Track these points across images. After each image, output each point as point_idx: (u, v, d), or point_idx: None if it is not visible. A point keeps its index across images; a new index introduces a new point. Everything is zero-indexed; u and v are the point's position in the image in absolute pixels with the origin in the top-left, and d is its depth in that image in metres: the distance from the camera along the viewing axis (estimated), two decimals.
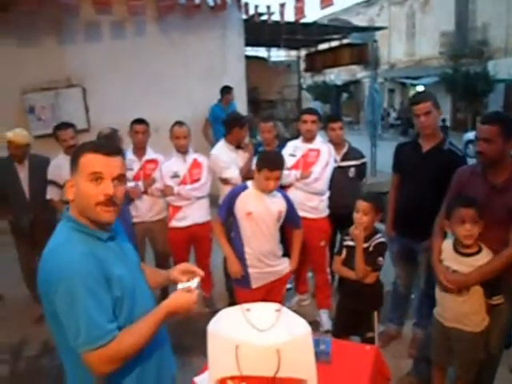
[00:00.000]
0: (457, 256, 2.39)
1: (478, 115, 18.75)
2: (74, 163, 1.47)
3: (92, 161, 1.44)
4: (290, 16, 7.27)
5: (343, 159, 3.79)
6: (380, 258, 2.67)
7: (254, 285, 2.92)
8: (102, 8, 6.14)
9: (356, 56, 9.96)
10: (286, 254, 3.17)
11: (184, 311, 1.50)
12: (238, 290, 3.06)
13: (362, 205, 2.69)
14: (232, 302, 3.41)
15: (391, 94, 26.96)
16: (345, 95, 30.31)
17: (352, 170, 3.79)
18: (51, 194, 4.01)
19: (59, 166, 3.92)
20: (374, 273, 2.70)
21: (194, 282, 1.57)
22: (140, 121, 3.91)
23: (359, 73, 26.73)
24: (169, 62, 7.08)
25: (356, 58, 10.09)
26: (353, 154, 3.86)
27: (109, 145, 1.55)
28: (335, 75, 29.10)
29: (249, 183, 2.90)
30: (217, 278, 4.11)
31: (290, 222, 3.00)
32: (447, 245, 2.47)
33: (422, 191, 2.96)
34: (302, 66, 13.71)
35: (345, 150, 3.83)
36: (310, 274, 4.04)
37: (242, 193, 2.86)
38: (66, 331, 1.37)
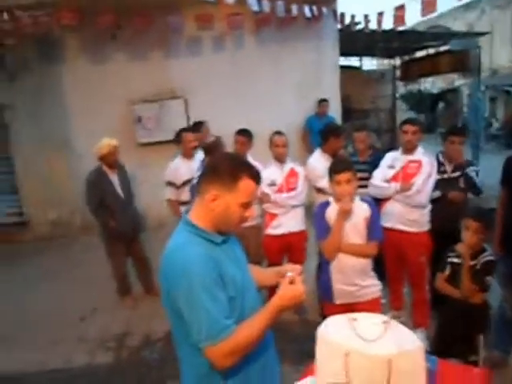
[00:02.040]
0: None
1: None
2: (231, 181, 1.54)
3: (250, 189, 1.58)
4: (387, 24, 7.12)
5: (454, 170, 3.64)
6: (488, 278, 2.53)
7: (337, 301, 2.81)
8: (204, 24, 6.50)
9: (456, 63, 9.41)
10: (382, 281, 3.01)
11: (294, 303, 1.54)
12: (324, 302, 3.03)
13: (472, 224, 2.56)
14: (323, 312, 3.40)
15: (493, 103, 25.06)
16: (441, 104, 28.78)
17: (461, 180, 3.60)
18: (169, 194, 4.37)
19: (177, 168, 4.30)
20: (481, 293, 2.55)
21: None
22: (241, 131, 4.10)
23: (457, 80, 25.20)
24: (265, 73, 7.32)
25: (456, 66, 9.53)
26: (468, 164, 3.70)
27: (258, 172, 1.63)
28: (430, 84, 27.73)
29: (330, 199, 2.84)
30: (308, 288, 4.11)
31: (368, 231, 2.76)
32: None
33: None
34: (397, 74, 13.28)
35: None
36: (405, 290, 3.90)
37: (326, 209, 2.80)
38: (187, 326, 1.48)
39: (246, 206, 1.58)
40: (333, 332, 1.47)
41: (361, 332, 1.48)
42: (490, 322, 2.70)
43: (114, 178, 4.40)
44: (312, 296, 3.87)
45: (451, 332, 2.67)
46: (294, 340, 3.50)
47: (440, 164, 3.61)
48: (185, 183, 4.25)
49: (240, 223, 1.62)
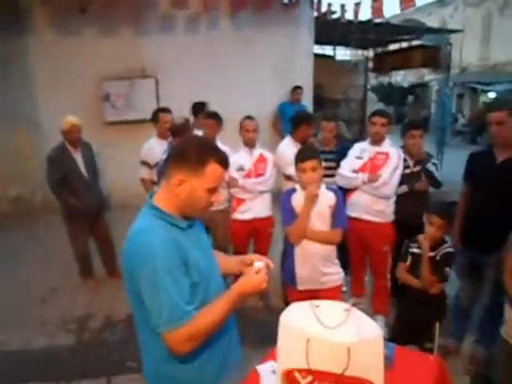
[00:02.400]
0: None
1: None
2: (198, 165, 1.50)
3: (217, 174, 1.54)
4: (364, 15, 7.17)
5: (416, 165, 3.67)
6: (447, 269, 2.61)
7: (300, 286, 2.85)
8: (178, 2, 6.35)
9: (428, 59, 9.57)
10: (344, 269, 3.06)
11: (255, 290, 1.56)
12: (287, 287, 3.07)
13: (436, 220, 2.63)
14: (286, 298, 3.45)
15: (460, 99, 25.71)
16: (410, 98, 29.32)
17: (432, 166, 3.65)
18: (143, 173, 4.33)
19: (151, 147, 4.28)
20: (440, 283, 2.64)
21: (261, 264, 1.63)
22: (210, 115, 4.07)
23: (427, 75, 25.72)
24: (239, 57, 7.23)
25: (428, 61, 9.69)
26: (428, 159, 3.72)
27: (226, 157, 1.58)
28: (402, 77, 28.20)
29: (297, 186, 2.85)
30: (273, 273, 4.14)
31: (333, 219, 2.77)
32: None
33: (493, 203, 2.85)
34: (369, 65, 13.39)
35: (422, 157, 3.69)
36: (367, 278, 3.99)
37: (292, 196, 2.82)
38: (147, 310, 1.46)
39: (213, 190, 1.55)
40: (295, 318, 1.49)
41: (323, 319, 1.50)
42: (446, 311, 2.80)
43: (78, 155, 4.27)
44: (276, 282, 3.90)
45: (409, 320, 2.76)
46: (257, 325, 3.54)
47: (403, 159, 3.63)
48: (158, 163, 4.19)
49: (206, 208, 1.60)
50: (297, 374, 1.44)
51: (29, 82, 6.82)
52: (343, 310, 1.56)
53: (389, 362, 1.89)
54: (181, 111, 5.04)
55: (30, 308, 4.18)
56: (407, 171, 3.63)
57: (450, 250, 2.69)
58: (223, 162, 1.55)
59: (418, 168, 3.67)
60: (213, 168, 1.52)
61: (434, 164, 3.72)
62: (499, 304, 2.54)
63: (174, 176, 1.51)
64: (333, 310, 1.55)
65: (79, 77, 6.76)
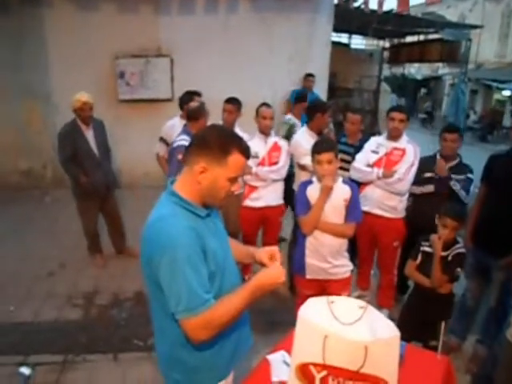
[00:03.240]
0: None
1: None
2: (221, 155, 1.51)
3: (240, 164, 1.55)
4: (387, 5, 7.06)
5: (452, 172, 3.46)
6: (458, 269, 2.63)
7: (308, 275, 2.88)
8: None
9: (446, 53, 9.45)
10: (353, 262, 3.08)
11: (273, 284, 1.57)
12: (295, 275, 3.09)
13: (451, 223, 2.64)
14: (292, 286, 3.48)
15: (473, 96, 25.42)
16: (423, 91, 29.04)
17: (456, 183, 3.40)
18: (158, 149, 4.37)
19: (173, 126, 4.30)
20: (450, 283, 2.66)
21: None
22: (231, 100, 4.02)
23: (441, 69, 25.39)
24: (256, 41, 7.16)
25: (446, 56, 9.58)
26: (462, 169, 3.46)
27: (248, 147, 1.60)
28: (416, 69, 27.87)
29: (313, 178, 2.86)
30: (280, 261, 4.19)
31: (348, 212, 2.78)
32: None
33: (509, 207, 2.86)
34: (384, 56, 13.23)
35: (454, 163, 3.49)
36: (373, 272, 4.02)
37: (308, 187, 2.83)
38: (166, 297, 1.47)
39: (234, 180, 1.57)
40: (312, 313, 1.51)
41: (338, 315, 1.53)
42: (452, 311, 2.83)
43: (89, 133, 4.26)
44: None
45: (416, 317, 2.79)
46: (264, 312, 3.57)
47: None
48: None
49: (226, 197, 1.60)
50: (312, 368, 1.47)
51: (42, 56, 6.76)
52: (358, 306, 1.58)
53: (399, 359, 1.93)
54: None
55: (38, 281, 4.25)
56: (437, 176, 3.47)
57: (462, 250, 2.70)
58: (246, 152, 1.56)
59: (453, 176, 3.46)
60: (235, 158, 1.53)
61: (469, 179, 3.41)
62: (505, 306, 2.57)
63: (198, 163, 1.51)
64: (348, 306, 1.57)
65: (94, 53, 6.71)
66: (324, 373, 1.45)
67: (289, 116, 5.36)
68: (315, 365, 1.46)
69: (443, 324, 2.69)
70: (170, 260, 1.43)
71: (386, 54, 13.06)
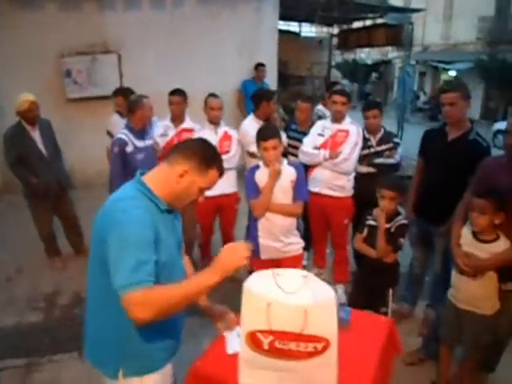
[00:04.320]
0: (475, 242, 2.50)
1: (510, 105, 18.23)
2: (205, 166, 1.66)
3: (214, 179, 1.73)
4: None
5: (378, 144, 3.79)
6: (401, 239, 2.80)
7: (263, 256, 3.00)
8: None
9: (391, 37, 9.73)
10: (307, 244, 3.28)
11: (235, 264, 1.56)
12: (251, 258, 3.20)
13: (387, 193, 2.81)
14: (250, 269, 3.58)
15: (422, 77, 26.31)
16: (374, 75, 29.74)
17: (386, 153, 3.76)
18: (107, 142, 4.35)
19: (115, 120, 4.43)
20: (394, 253, 2.84)
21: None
22: (175, 92, 4.06)
23: (390, 53, 26.10)
24: (204, 34, 7.17)
25: (391, 40, 9.86)
26: (387, 137, 3.84)
27: (223, 167, 1.77)
28: (366, 54, 28.53)
29: (260, 163, 2.98)
30: None
31: (294, 192, 2.93)
32: (467, 230, 2.58)
33: (445, 178, 3.04)
34: (334, 42, 13.48)
35: (380, 135, 3.81)
36: (328, 251, 4.19)
37: (256, 172, 2.95)
38: (111, 273, 1.46)
39: (204, 190, 1.71)
40: (257, 285, 1.61)
41: (282, 285, 1.64)
42: (399, 278, 3.02)
43: (35, 133, 4.17)
44: None
45: (365, 287, 2.96)
46: (223, 296, 3.66)
47: (366, 139, 3.77)
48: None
49: (190, 204, 1.74)
50: (259, 335, 1.58)
51: None
52: (301, 276, 1.70)
53: (345, 323, 2.08)
54: (144, 87, 5.00)
55: None
56: (372, 150, 3.76)
57: (403, 221, 2.88)
58: (222, 170, 1.75)
59: (382, 147, 3.78)
60: (214, 173, 1.70)
61: (397, 143, 3.85)
62: (448, 271, 2.77)
63: (180, 166, 1.62)
64: (292, 277, 1.69)
65: (39, 52, 6.51)
66: (271, 338, 1.57)
67: (319, 106, 5.46)
68: (262, 331, 1.57)
69: (391, 291, 2.89)
70: (120, 235, 1.46)
71: (335, 40, 13.32)
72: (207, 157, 1.67)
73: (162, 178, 1.65)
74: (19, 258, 4.72)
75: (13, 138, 4.09)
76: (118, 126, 4.18)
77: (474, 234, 2.52)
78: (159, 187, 1.64)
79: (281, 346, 1.56)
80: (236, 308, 2.02)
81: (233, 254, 1.58)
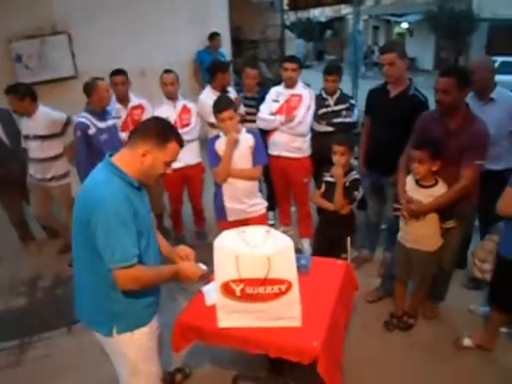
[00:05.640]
0: (417, 188, 2.82)
1: (460, 55, 18.77)
2: (162, 141, 1.82)
3: (176, 151, 1.88)
4: None
5: (336, 103, 3.98)
6: (356, 192, 3.10)
7: (230, 218, 3.24)
8: None
9: None
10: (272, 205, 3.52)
11: (189, 277, 1.97)
12: (219, 221, 3.45)
13: (337, 148, 3.07)
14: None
15: (376, 31, 26.53)
16: (329, 32, 29.74)
17: (343, 112, 3.95)
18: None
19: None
20: (349, 205, 3.13)
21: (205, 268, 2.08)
22: (116, 72, 4.12)
23: (344, 9, 26.09)
24: (155, 7, 7.09)
25: None
26: (343, 98, 4.02)
27: (182, 139, 1.93)
28: (319, 12, 28.38)
29: (220, 133, 3.18)
30: (208, 214, 4.52)
31: (254, 157, 3.15)
32: (410, 178, 2.89)
33: (389, 132, 3.29)
34: (285, 3, 13.41)
35: (337, 95, 3.99)
36: (293, 209, 4.48)
37: (216, 142, 3.16)
38: (102, 250, 1.73)
39: (169, 164, 1.88)
40: (226, 241, 1.86)
41: (248, 240, 1.90)
42: (356, 227, 3.33)
43: None
44: (212, 220, 4.26)
45: (325, 237, 3.28)
46: (197, 261, 3.92)
47: (323, 99, 3.98)
48: None
49: (158, 178, 1.92)
50: (232, 284, 1.84)
51: None
52: (264, 231, 1.95)
53: (306, 269, 2.37)
54: (98, 65, 4.96)
55: None
56: (329, 109, 3.96)
57: (356, 176, 3.15)
58: (181, 142, 1.90)
59: (339, 107, 3.96)
60: (173, 145, 1.86)
61: (352, 104, 4.03)
62: (399, 216, 3.08)
63: (141, 147, 1.80)
64: (256, 232, 1.95)
65: None
66: (241, 285, 1.84)
67: None
68: (233, 281, 1.84)
69: (349, 239, 3.21)
70: (104, 218, 1.69)
71: (286, 1, 13.26)
72: (162, 132, 1.84)
73: (127, 160, 1.83)
74: None
75: None
76: (28, 127, 4.10)
77: (416, 182, 2.83)
78: (127, 167, 1.82)
79: (250, 291, 1.84)
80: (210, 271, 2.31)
81: (190, 270, 1.99)
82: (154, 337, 2.05)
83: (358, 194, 3.16)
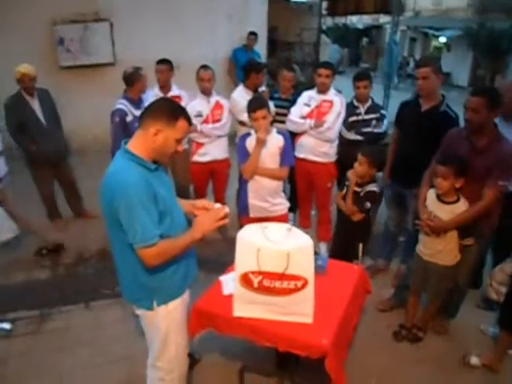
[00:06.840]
0: (438, 203, 2.85)
1: (497, 73, 18.43)
2: (172, 120, 1.89)
3: (185, 128, 1.95)
4: None
5: (367, 112, 4.00)
6: (367, 203, 3.16)
7: (252, 214, 3.34)
8: None
9: (379, 4, 9.86)
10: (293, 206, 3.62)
11: (207, 231, 1.96)
12: (241, 216, 3.56)
13: (360, 158, 3.15)
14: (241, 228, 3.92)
15: (412, 43, 26.22)
16: (365, 40, 29.53)
17: (373, 122, 3.98)
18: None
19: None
20: (360, 213, 3.22)
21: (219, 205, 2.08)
22: (162, 61, 4.32)
23: (382, 18, 25.83)
24: (194, 2, 7.24)
25: (379, 7, 9.98)
26: (374, 108, 4.03)
27: (190, 116, 2.00)
28: (357, 18, 28.18)
29: (251, 131, 3.27)
30: (231, 208, 4.58)
31: (281, 158, 3.22)
32: (431, 193, 2.92)
33: (416, 146, 3.33)
34: (323, 7, 13.40)
35: (368, 104, 4.01)
36: (313, 212, 4.53)
37: (247, 139, 3.26)
38: (126, 231, 1.85)
39: (179, 141, 1.97)
40: (248, 235, 1.95)
41: (269, 235, 1.97)
42: (369, 235, 3.38)
43: (35, 103, 4.35)
44: (233, 215, 4.34)
45: (341, 239, 3.37)
46: (217, 253, 4.03)
47: (355, 107, 4.01)
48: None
49: (172, 155, 2.01)
50: (251, 275, 1.92)
51: None
52: (286, 229, 2.03)
53: (322, 269, 2.44)
54: (136, 55, 5.10)
55: (2, 247, 4.43)
56: (359, 118, 3.99)
57: (373, 189, 3.20)
58: (189, 119, 1.99)
59: (369, 116, 3.99)
60: (182, 123, 1.93)
61: (383, 115, 4.01)
62: (419, 230, 3.11)
63: (152, 127, 1.88)
64: (277, 228, 2.02)
65: (30, 19, 6.54)
66: (260, 277, 1.92)
67: None
68: (253, 272, 1.92)
69: (361, 245, 3.26)
70: (126, 202, 1.80)
71: (325, 5, 13.25)
72: (172, 111, 1.92)
73: (141, 143, 1.92)
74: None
75: (12, 106, 4.26)
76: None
77: (438, 196, 2.86)
78: (142, 150, 1.92)
79: (268, 284, 1.91)
80: (228, 265, 2.39)
81: (209, 217, 1.98)
82: (185, 309, 2.18)
83: (369, 205, 3.20)
